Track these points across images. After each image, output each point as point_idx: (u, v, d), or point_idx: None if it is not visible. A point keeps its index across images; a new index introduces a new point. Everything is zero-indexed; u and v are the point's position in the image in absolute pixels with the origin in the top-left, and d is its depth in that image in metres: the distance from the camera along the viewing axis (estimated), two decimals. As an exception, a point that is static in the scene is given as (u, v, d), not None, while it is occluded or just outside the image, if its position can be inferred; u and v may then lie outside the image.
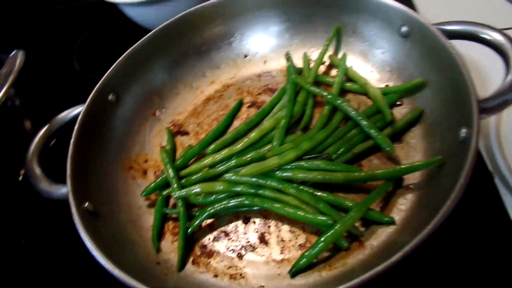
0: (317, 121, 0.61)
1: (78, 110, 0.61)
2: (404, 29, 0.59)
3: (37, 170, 0.55)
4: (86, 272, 0.56)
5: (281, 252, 0.52)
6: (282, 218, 0.54)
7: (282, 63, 0.71)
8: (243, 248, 0.53)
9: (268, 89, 0.70)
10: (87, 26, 0.98)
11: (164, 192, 0.59)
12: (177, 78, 0.71)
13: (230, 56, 0.73)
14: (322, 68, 0.68)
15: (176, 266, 0.52)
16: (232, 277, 0.51)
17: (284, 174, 0.55)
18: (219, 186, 0.56)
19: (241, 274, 0.51)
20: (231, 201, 0.54)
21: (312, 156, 0.57)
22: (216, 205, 0.54)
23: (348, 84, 0.64)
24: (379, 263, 0.39)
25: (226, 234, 0.55)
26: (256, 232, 0.54)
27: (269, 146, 0.59)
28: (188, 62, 0.71)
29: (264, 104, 0.66)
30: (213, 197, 0.56)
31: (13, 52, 0.60)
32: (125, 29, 0.87)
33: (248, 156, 0.58)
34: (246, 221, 0.56)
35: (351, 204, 0.52)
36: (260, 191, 0.54)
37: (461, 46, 0.53)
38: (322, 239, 0.49)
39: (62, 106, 0.63)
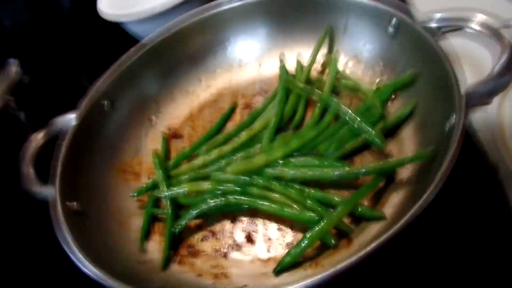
0: (309, 120, 0.60)
1: (74, 115, 0.63)
2: (391, 30, 0.59)
3: (30, 171, 0.55)
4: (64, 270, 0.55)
5: (268, 251, 0.50)
6: (270, 217, 0.53)
7: (276, 66, 0.71)
8: (229, 247, 0.52)
9: (263, 91, 0.70)
10: (83, 33, 1.00)
11: (154, 193, 0.59)
12: (172, 84, 0.71)
13: (225, 61, 0.73)
14: (316, 68, 0.68)
15: (161, 265, 0.52)
16: (215, 276, 0.49)
17: (273, 171, 0.54)
18: (207, 185, 0.55)
19: (225, 274, 0.49)
20: (217, 200, 0.53)
21: (302, 153, 0.56)
22: (202, 205, 0.54)
23: (341, 82, 0.63)
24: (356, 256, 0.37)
25: (214, 234, 0.54)
26: (244, 231, 0.53)
27: (259, 145, 0.58)
28: (183, 68, 0.72)
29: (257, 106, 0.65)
30: (200, 197, 0.55)
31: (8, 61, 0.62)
32: (120, 36, 0.88)
33: (238, 156, 0.58)
34: (233, 220, 0.54)
35: (339, 200, 0.50)
36: (248, 189, 0.53)
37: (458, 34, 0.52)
38: (308, 236, 0.47)
39: (59, 112, 0.64)
